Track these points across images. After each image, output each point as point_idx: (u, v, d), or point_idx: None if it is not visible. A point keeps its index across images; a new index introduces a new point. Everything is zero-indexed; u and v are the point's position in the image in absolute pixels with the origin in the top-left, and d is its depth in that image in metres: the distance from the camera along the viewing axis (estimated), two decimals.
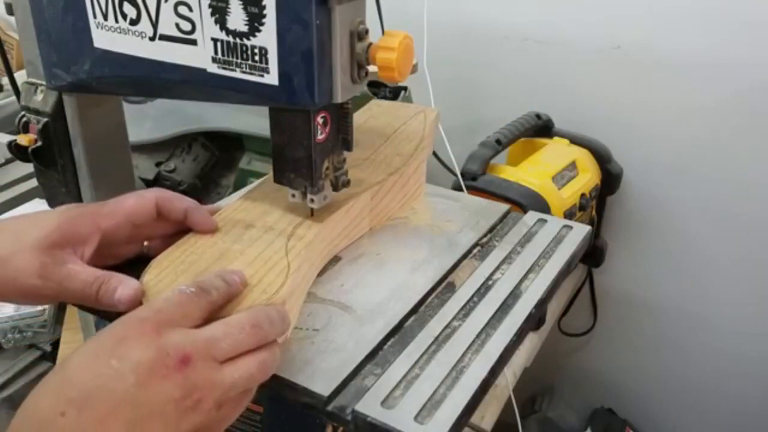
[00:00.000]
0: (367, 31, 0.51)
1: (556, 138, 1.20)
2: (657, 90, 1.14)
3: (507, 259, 0.64)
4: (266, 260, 0.53)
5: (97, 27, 0.57)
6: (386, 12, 0.95)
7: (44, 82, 0.66)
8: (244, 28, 0.49)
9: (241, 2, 0.48)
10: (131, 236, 0.56)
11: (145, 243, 0.59)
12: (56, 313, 1.06)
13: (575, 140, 1.19)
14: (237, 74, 0.51)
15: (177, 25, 0.52)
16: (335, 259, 0.63)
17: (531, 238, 0.68)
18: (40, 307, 1.05)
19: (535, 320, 0.59)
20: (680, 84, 1.11)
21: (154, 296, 0.50)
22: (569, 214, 1.07)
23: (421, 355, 0.51)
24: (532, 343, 1.11)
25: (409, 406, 0.46)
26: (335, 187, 0.59)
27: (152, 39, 0.54)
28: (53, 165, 0.70)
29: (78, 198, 0.71)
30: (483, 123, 1.22)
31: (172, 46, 0.53)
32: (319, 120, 0.53)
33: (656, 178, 1.20)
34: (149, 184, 1.07)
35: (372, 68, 0.52)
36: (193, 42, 0.52)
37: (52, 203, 0.73)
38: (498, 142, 1.10)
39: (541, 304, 0.59)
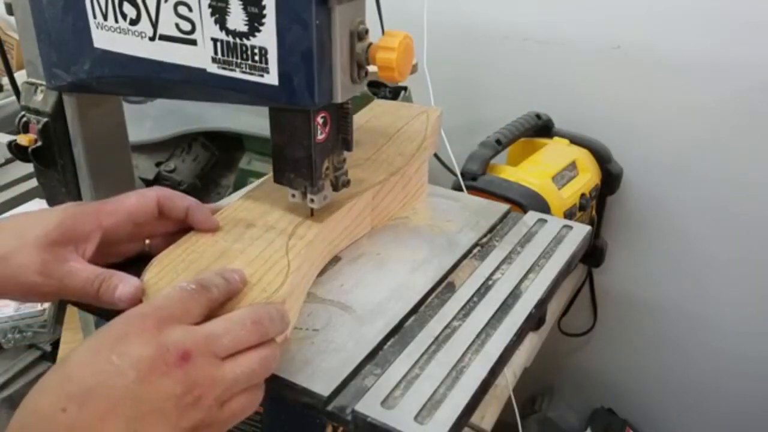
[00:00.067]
0: (367, 31, 0.51)
1: (556, 138, 1.20)
2: (657, 90, 1.14)
3: (507, 259, 0.64)
4: (266, 259, 0.53)
5: (97, 27, 0.57)
6: (386, 12, 0.95)
7: (44, 82, 0.66)
8: (244, 28, 0.49)
9: (241, 2, 0.48)
10: (133, 234, 0.56)
11: (147, 241, 0.59)
12: (56, 313, 1.06)
13: (575, 140, 1.19)
14: (237, 74, 0.51)
15: (177, 25, 0.52)
16: (335, 259, 0.63)
17: (531, 238, 0.68)
18: (40, 307, 1.05)
19: (535, 320, 0.59)
20: (680, 84, 1.11)
21: (155, 294, 0.50)
22: (569, 214, 1.07)
23: (421, 355, 0.51)
24: (532, 343, 1.11)
25: (409, 406, 0.46)
26: (335, 187, 0.59)
27: (152, 39, 0.54)
28: (53, 165, 0.70)
29: (78, 198, 0.71)
30: (483, 123, 1.22)
31: (172, 46, 0.53)
32: (319, 120, 0.54)
33: (656, 178, 1.20)
34: (149, 184, 1.07)
35: (372, 68, 0.52)
36: (193, 42, 0.52)
37: (52, 203, 0.73)
38: (498, 142, 1.10)
39: (541, 304, 0.59)
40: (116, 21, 0.55)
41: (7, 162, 1.02)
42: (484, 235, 0.68)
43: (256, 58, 0.49)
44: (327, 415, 0.47)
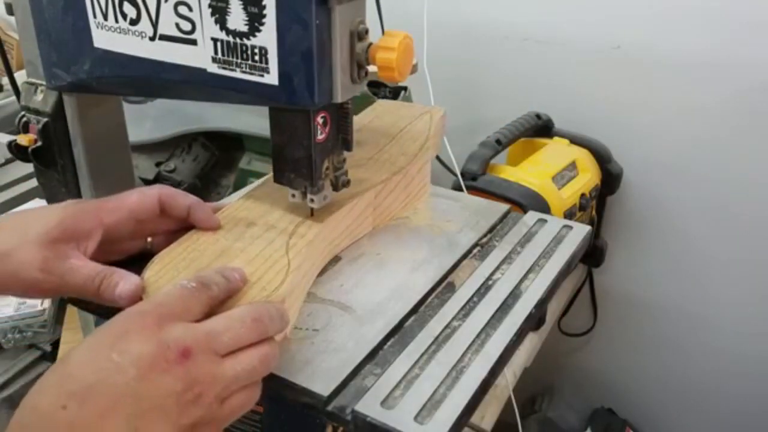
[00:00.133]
0: (367, 31, 0.51)
1: (556, 138, 1.20)
2: (657, 90, 1.14)
3: (507, 259, 0.64)
4: (266, 258, 0.53)
5: (97, 27, 0.57)
6: (386, 12, 0.95)
7: (44, 82, 0.66)
8: (244, 28, 0.49)
9: (241, 2, 0.48)
10: (134, 232, 0.56)
11: (149, 239, 0.59)
12: (56, 313, 1.06)
13: (575, 140, 1.19)
14: (237, 74, 0.51)
15: (177, 25, 0.52)
16: (335, 259, 0.63)
17: (531, 238, 0.68)
18: (40, 307, 1.05)
19: (535, 320, 0.59)
20: (680, 84, 1.11)
21: (155, 292, 0.50)
22: (569, 214, 1.07)
23: (421, 355, 0.51)
24: (532, 343, 1.11)
25: (409, 406, 0.46)
26: (335, 187, 0.59)
27: (152, 39, 0.54)
28: (53, 165, 0.70)
29: (78, 198, 0.71)
30: (483, 123, 1.22)
31: (172, 46, 0.53)
32: (319, 120, 0.54)
33: (656, 178, 1.20)
34: (149, 184, 1.07)
35: (372, 68, 0.52)
36: (193, 42, 0.52)
37: (52, 203, 0.73)
38: (498, 142, 1.10)
39: (541, 304, 0.59)
40: (116, 21, 0.55)
41: (7, 162, 1.02)
42: (484, 235, 0.68)
43: (256, 58, 0.49)
44: (327, 415, 0.47)
